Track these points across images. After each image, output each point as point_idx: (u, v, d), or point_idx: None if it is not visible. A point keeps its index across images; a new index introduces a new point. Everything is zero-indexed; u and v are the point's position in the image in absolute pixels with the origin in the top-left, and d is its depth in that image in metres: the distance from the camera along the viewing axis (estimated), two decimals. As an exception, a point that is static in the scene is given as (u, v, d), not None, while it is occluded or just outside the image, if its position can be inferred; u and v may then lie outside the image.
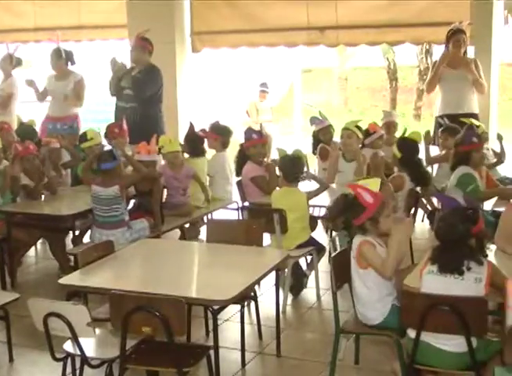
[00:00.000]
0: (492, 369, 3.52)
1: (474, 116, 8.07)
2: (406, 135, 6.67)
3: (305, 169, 6.45)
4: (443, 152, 7.44)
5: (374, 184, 4.18)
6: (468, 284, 3.53)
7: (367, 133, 7.37)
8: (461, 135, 6.41)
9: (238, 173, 6.96)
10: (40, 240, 7.24)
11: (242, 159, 6.88)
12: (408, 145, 6.35)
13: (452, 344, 3.56)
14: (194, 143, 7.19)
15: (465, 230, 3.58)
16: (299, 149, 6.27)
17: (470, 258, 3.55)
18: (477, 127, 7.21)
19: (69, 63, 8.79)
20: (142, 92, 8.16)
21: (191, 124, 7.37)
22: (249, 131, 6.95)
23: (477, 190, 5.92)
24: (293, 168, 5.91)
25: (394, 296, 4.11)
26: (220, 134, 7.30)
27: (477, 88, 8.41)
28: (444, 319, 3.49)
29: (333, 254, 4.25)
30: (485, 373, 3.60)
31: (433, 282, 3.60)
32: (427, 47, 18.88)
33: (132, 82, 8.20)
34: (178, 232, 6.80)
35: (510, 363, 3.20)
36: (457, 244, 3.57)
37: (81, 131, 8.14)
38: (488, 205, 6.14)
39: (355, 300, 4.19)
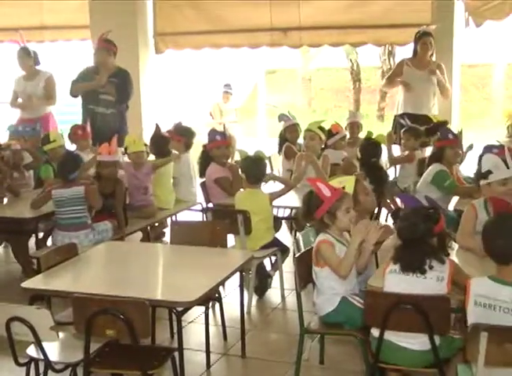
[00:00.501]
0: (454, 366, 3.57)
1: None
2: (371, 136, 6.74)
3: (268, 170, 6.45)
4: (406, 153, 7.50)
5: (350, 181, 4.34)
6: (430, 283, 3.56)
7: (330, 134, 7.41)
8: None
9: (201, 174, 6.95)
10: (2, 244, 7.16)
11: (205, 160, 6.88)
12: (368, 146, 6.41)
13: (415, 342, 3.59)
14: (160, 145, 7.15)
15: (427, 229, 3.62)
16: (260, 150, 6.28)
17: (432, 257, 3.58)
18: (445, 122, 7.31)
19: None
20: (125, 98, 8.16)
21: (157, 125, 7.34)
22: (212, 133, 6.94)
23: (455, 185, 5.99)
24: (255, 169, 5.91)
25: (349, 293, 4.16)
26: (183, 135, 7.28)
27: (443, 92, 8.53)
28: (407, 317, 3.51)
29: (296, 255, 4.26)
30: (448, 370, 3.64)
31: (396, 281, 3.63)
32: (390, 48, 19.02)
33: (115, 88, 8.13)
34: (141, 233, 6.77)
35: (472, 360, 3.23)
36: (419, 243, 3.60)
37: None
38: (450, 205, 6.23)
39: (314, 294, 4.23)
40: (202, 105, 13.93)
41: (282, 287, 6.00)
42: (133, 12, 10.21)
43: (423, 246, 3.61)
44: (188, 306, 4.04)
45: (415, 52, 8.64)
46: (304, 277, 4.21)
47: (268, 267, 6.21)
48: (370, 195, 5.28)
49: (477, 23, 8.92)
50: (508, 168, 4.58)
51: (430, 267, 3.56)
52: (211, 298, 4.84)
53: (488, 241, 3.37)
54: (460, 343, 3.61)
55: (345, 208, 4.15)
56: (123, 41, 8.80)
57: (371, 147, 6.62)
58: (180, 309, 4.06)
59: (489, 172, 4.59)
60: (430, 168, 6.11)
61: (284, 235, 6.97)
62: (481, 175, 4.63)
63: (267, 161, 6.52)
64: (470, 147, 7.08)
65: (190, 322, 5.40)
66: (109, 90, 8.13)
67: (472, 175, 6.21)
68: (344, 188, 4.30)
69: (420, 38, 8.53)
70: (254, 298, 5.90)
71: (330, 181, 4.38)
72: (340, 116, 19.16)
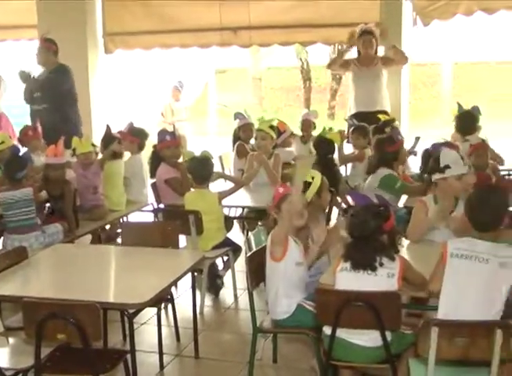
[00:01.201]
0: (406, 361, 3.61)
1: (386, 114, 8.22)
2: (325, 135, 6.76)
3: (217, 169, 6.44)
4: (356, 151, 7.56)
5: (317, 176, 4.59)
6: (381, 280, 3.60)
7: (278, 132, 7.44)
8: (385, 136, 6.49)
9: (152, 175, 6.91)
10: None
11: (156, 161, 6.83)
12: (323, 143, 6.43)
13: (366, 339, 3.62)
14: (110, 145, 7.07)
15: (376, 227, 3.65)
16: (207, 150, 6.23)
17: (382, 254, 3.61)
18: (392, 120, 7.36)
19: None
20: (52, 91, 8.08)
21: (108, 126, 7.27)
22: (162, 133, 6.89)
23: (405, 186, 6.01)
24: (201, 169, 5.88)
25: (303, 296, 4.18)
26: (137, 136, 7.22)
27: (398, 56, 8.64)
28: (358, 314, 3.54)
29: (248, 254, 4.26)
30: (400, 365, 3.67)
31: (347, 279, 3.65)
32: (340, 47, 19.13)
33: (41, 83, 8.10)
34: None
35: (423, 355, 3.28)
36: (369, 240, 3.64)
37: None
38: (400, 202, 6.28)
39: (267, 295, 4.23)
40: (153, 105, 13.85)
41: (234, 286, 6.01)
42: (82, 11, 10.10)
43: (374, 243, 3.64)
44: (139, 308, 4.03)
45: (358, 51, 8.72)
46: (256, 276, 4.21)
47: (221, 267, 6.21)
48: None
49: (424, 23, 9.03)
50: (464, 164, 4.66)
51: (381, 264, 3.60)
52: (163, 299, 4.81)
53: (472, 212, 3.59)
54: (411, 338, 3.65)
55: (300, 213, 4.20)
56: (72, 41, 8.75)
57: (325, 144, 6.64)
58: (132, 310, 4.03)
59: (447, 167, 4.65)
60: (376, 173, 6.07)
61: (236, 234, 6.97)
62: (438, 169, 4.68)
63: (217, 161, 6.51)
64: (417, 139, 7.16)
65: (143, 323, 5.38)
66: (43, 86, 8.11)
67: (418, 171, 6.30)
68: (313, 179, 4.43)
69: (360, 37, 8.61)
70: (208, 298, 5.89)
71: (300, 172, 4.43)
72: (291, 115, 19.26)
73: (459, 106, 7.08)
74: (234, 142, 7.83)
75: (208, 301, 5.91)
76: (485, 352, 3.19)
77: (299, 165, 6.80)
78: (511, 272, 3.36)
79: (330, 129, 7.34)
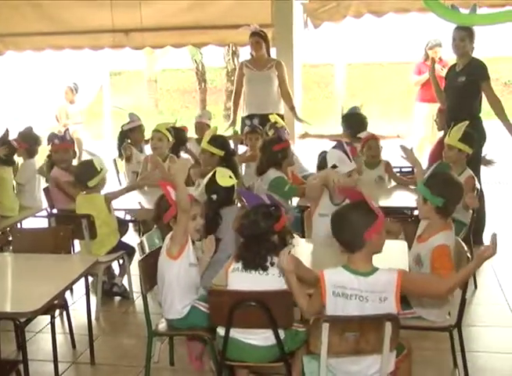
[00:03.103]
0: (300, 358, 3.66)
1: (280, 116, 8.31)
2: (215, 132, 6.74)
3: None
4: (250, 152, 7.61)
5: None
6: (273, 279, 3.64)
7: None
8: (271, 136, 6.55)
9: (47, 179, 6.78)
10: None
11: (50, 165, 6.71)
12: (226, 142, 6.39)
13: (259, 338, 3.66)
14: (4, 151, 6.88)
15: (267, 227, 3.68)
16: (92, 152, 6.14)
17: (273, 254, 3.66)
18: (281, 127, 7.42)
19: None
20: None
21: (6, 130, 7.07)
22: (51, 137, 6.76)
23: (295, 188, 6.08)
24: (85, 173, 5.75)
25: (196, 297, 4.19)
26: (25, 141, 7.06)
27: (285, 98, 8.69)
28: (251, 314, 3.57)
29: (140, 258, 4.23)
30: (295, 363, 3.73)
31: (239, 279, 3.68)
32: (234, 48, 19.24)
33: None
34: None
35: (315, 351, 3.33)
36: (260, 240, 3.67)
37: None
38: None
39: (163, 299, 4.20)
40: (47, 108, 13.57)
41: (130, 289, 5.96)
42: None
43: (265, 243, 3.67)
44: (30, 316, 3.94)
45: (251, 53, 8.76)
46: (150, 279, 4.19)
47: (117, 270, 6.16)
48: None
49: (315, 25, 9.20)
50: (351, 161, 4.77)
51: (272, 264, 3.65)
52: (57, 306, 4.71)
53: (335, 231, 3.39)
54: (305, 335, 3.69)
55: (192, 215, 4.16)
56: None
57: (227, 142, 6.57)
58: (23, 319, 3.94)
59: (334, 166, 4.77)
60: (265, 176, 6.10)
61: (132, 237, 6.91)
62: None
63: (111, 164, 6.39)
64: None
65: (38, 332, 5.27)
66: None
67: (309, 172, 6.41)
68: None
69: (250, 38, 8.64)
70: (104, 303, 5.81)
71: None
72: (188, 116, 19.23)
73: (342, 109, 7.24)
74: (120, 144, 7.75)
75: (105, 306, 5.83)
76: (375, 345, 3.27)
77: (175, 167, 6.69)
78: (391, 304, 3.30)
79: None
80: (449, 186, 4.20)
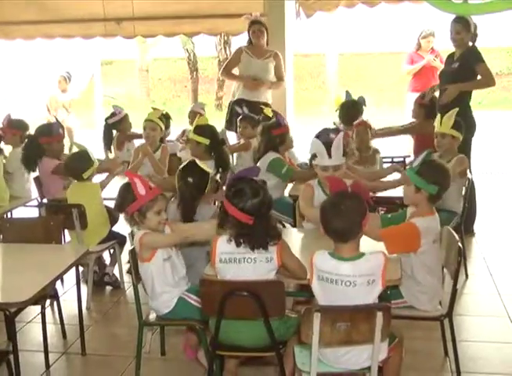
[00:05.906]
0: (291, 347, 3.66)
1: (268, 105, 8.29)
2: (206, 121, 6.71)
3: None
4: (241, 141, 7.58)
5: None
6: (260, 265, 3.59)
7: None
8: (271, 121, 6.53)
9: (32, 169, 6.70)
10: None
11: (35, 154, 6.62)
12: (215, 132, 6.35)
13: (251, 327, 3.65)
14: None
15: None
16: (81, 144, 6.06)
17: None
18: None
19: None
20: None
21: None
22: (42, 127, 6.74)
23: (293, 170, 6.11)
24: (78, 163, 5.74)
25: (183, 288, 4.16)
26: (18, 128, 7.02)
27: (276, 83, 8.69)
28: (243, 303, 3.55)
29: (130, 248, 4.21)
30: (287, 352, 3.71)
31: (228, 268, 3.63)
32: (226, 38, 19.21)
33: None
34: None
35: (307, 341, 3.33)
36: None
37: None
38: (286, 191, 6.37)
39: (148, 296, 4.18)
40: (38, 97, 13.51)
41: (122, 279, 5.95)
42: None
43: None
44: (21, 307, 3.92)
45: (250, 41, 8.74)
46: (141, 269, 4.18)
47: (108, 260, 6.15)
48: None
49: (307, 15, 9.17)
50: (330, 157, 4.74)
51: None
52: (47, 296, 4.69)
53: (326, 221, 3.42)
54: (296, 321, 3.66)
55: (157, 210, 4.07)
56: None
57: (213, 131, 6.51)
58: (13, 309, 3.93)
59: (314, 156, 4.82)
60: (263, 157, 6.18)
61: (123, 227, 6.88)
62: (311, 156, 4.88)
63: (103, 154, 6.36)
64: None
65: (28, 322, 5.25)
66: None
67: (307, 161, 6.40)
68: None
69: (250, 27, 8.64)
70: (95, 293, 5.79)
71: None
72: (179, 106, 19.19)
73: (348, 94, 7.22)
74: (106, 135, 7.73)
75: (95, 295, 5.81)
76: (366, 335, 3.27)
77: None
78: (378, 286, 3.36)
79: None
80: (441, 173, 4.25)
